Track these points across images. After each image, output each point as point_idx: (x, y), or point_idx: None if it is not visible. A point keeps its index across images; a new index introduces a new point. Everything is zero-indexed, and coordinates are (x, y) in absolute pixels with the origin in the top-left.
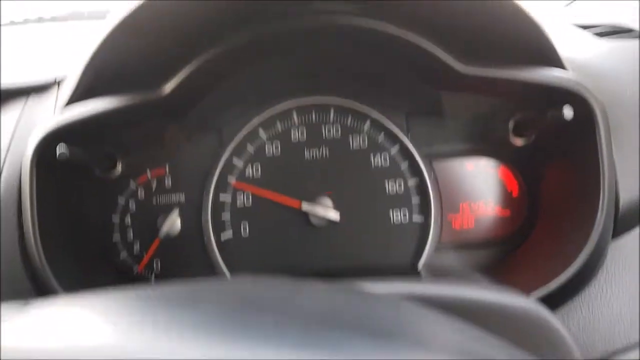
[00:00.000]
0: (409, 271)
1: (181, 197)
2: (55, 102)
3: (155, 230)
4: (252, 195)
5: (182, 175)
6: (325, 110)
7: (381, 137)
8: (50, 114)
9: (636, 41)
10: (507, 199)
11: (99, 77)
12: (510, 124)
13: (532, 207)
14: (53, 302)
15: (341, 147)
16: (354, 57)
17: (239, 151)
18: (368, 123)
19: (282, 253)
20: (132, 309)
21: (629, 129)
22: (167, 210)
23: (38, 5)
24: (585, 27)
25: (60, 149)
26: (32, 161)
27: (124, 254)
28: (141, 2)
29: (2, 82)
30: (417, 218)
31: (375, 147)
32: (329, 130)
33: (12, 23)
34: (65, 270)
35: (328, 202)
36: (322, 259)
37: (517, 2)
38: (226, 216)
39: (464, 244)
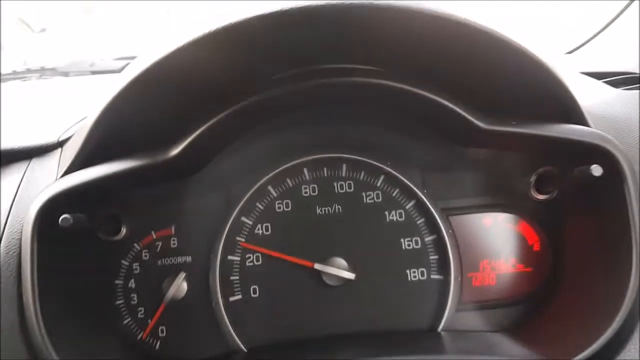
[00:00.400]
0: (429, 334)
1: (187, 259)
2: (58, 165)
3: (161, 294)
4: (262, 254)
5: (188, 236)
6: (337, 165)
7: (396, 192)
8: (52, 178)
9: None
10: (529, 255)
11: (103, 141)
12: (532, 179)
13: (555, 262)
14: None
15: (354, 203)
16: (369, 114)
17: (247, 210)
18: (382, 178)
19: (294, 315)
20: None
21: None
22: (172, 272)
23: (38, 55)
24: (593, 75)
25: (63, 216)
26: (33, 230)
27: (127, 320)
28: (148, 64)
29: (3, 143)
30: (435, 276)
31: (389, 203)
32: (342, 186)
33: (14, 73)
34: (66, 339)
35: (342, 261)
36: (336, 321)
37: (538, 57)
38: (235, 278)
39: (486, 303)
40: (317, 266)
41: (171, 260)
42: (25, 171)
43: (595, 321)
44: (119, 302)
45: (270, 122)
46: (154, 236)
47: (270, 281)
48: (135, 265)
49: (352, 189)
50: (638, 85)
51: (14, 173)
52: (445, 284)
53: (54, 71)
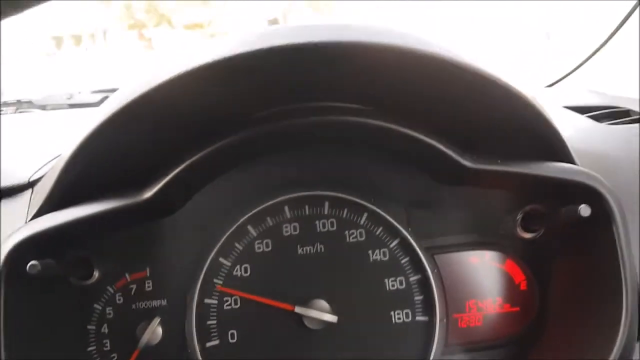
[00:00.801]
0: None
1: (163, 302)
2: (28, 207)
3: (135, 339)
4: (241, 297)
5: (164, 279)
6: (320, 203)
7: (380, 231)
8: (22, 221)
9: (637, 125)
10: (516, 294)
11: (75, 183)
12: (518, 217)
13: (542, 302)
14: None
15: (337, 242)
16: (352, 150)
17: (226, 250)
18: (365, 216)
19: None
20: None
21: None
22: (147, 316)
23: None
24: (577, 109)
25: (30, 263)
26: None
27: None
28: (123, 103)
29: None
30: (420, 318)
31: (373, 242)
32: (324, 225)
33: None
34: None
35: (324, 303)
36: None
37: (524, 94)
38: (212, 322)
39: (473, 345)
40: (297, 309)
41: (146, 304)
42: None
43: None
44: (91, 349)
45: (252, 163)
46: (128, 279)
47: (250, 325)
48: (109, 309)
49: (335, 227)
50: (623, 119)
51: None
52: (430, 325)
53: (30, 104)
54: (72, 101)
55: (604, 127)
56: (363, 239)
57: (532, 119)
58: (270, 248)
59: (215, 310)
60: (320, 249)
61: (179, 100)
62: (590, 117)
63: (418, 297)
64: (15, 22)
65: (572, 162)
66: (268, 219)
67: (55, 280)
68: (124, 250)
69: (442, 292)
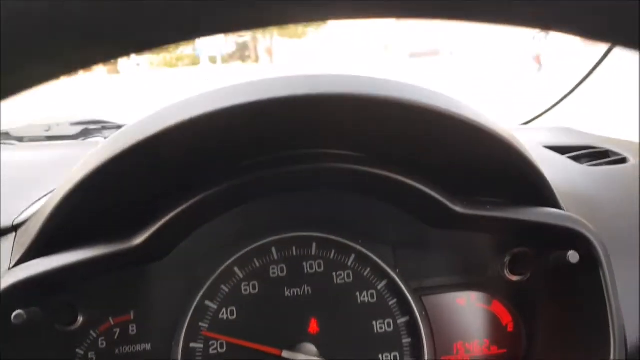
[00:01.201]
0: None
1: (147, 347)
2: (12, 252)
3: None
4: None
5: (148, 322)
6: (307, 244)
7: (367, 272)
8: (6, 266)
9: (619, 166)
10: (503, 336)
11: (62, 229)
12: (506, 260)
13: (529, 345)
14: None
15: (324, 284)
16: (340, 192)
17: (212, 293)
18: (353, 257)
19: None
20: None
21: (628, 266)
22: None
23: None
24: (557, 149)
25: (16, 312)
26: None
27: None
28: (115, 153)
29: None
30: None
31: (361, 283)
32: (311, 266)
33: None
34: None
35: (311, 347)
36: None
37: (510, 140)
38: None
39: None
40: (285, 354)
41: (129, 349)
42: None
43: None
44: None
45: (241, 207)
46: (112, 323)
47: None
48: (91, 354)
49: (322, 268)
50: (602, 160)
51: None
52: None
53: (7, 136)
54: (50, 133)
55: (584, 168)
56: (351, 280)
57: (519, 165)
58: (257, 290)
59: (200, 354)
60: (308, 290)
61: (173, 149)
62: (570, 157)
63: (406, 340)
64: None
65: (558, 206)
66: (255, 260)
67: (38, 327)
68: (108, 294)
69: (430, 334)
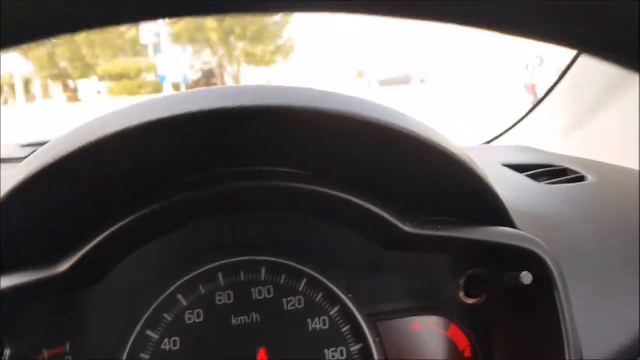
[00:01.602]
0: None
1: None
2: None
3: None
4: None
5: (85, 354)
6: (256, 269)
7: (319, 297)
8: None
9: (577, 185)
10: None
11: None
12: (461, 282)
13: None
14: None
15: (274, 311)
16: (289, 214)
17: (153, 322)
18: (304, 282)
19: None
20: None
21: (584, 286)
22: None
23: None
24: (516, 168)
25: None
26: None
27: None
28: (40, 167)
29: None
30: None
31: (312, 309)
32: (260, 292)
33: None
34: None
35: None
36: None
37: (463, 159)
38: None
39: None
40: None
41: None
42: None
43: None
44: None
45: (182, 228)
46: (46, 355)
47: None
48: None
49: (272, 294)
50: (560, 179)
51: None
52: None
53: None
54: None
55: (542, 186)
56: (302, 306)
57: (471, 183)
58: (202, 319)
59: None
60: (256, 318)
61: (103, 164)
62: (529, 176)
63: None
64: None
65: (512, 225)
66: (200, 287)
67: None
68: (40, 324)
69: None
